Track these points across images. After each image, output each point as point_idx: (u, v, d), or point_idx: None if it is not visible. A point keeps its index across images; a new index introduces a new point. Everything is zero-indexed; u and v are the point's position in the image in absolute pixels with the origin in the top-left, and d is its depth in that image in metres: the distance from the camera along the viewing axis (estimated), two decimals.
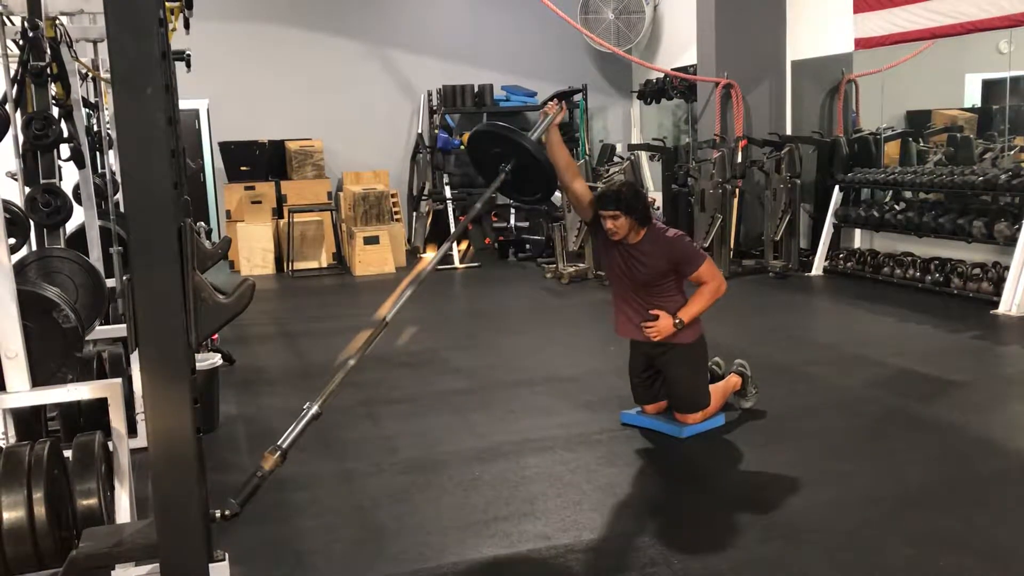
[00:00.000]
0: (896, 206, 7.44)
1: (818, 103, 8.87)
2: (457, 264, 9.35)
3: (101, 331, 4.17)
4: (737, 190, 8.38)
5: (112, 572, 2.15)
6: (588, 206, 4.02)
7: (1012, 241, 6.21)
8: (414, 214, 10.87)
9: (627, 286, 4.00)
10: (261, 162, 10.07)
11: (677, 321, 3.87)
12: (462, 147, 10.65)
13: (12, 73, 3.88)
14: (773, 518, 3.14)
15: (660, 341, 3.96)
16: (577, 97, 10.92)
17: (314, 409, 2.52)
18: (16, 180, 4.11)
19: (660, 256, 3.89)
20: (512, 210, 10.28)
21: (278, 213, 9.94)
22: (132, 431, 3.35)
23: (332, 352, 5.75)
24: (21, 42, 3.86)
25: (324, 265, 9.82)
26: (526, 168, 3.32)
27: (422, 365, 5.41)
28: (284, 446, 2.37)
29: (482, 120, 11.04)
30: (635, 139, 11.61)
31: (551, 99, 3.88)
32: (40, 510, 2.38)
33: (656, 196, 9.84)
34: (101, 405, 2.98)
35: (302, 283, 9.04)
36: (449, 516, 3.24)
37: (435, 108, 10.72)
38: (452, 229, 9.65)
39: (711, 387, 4.07)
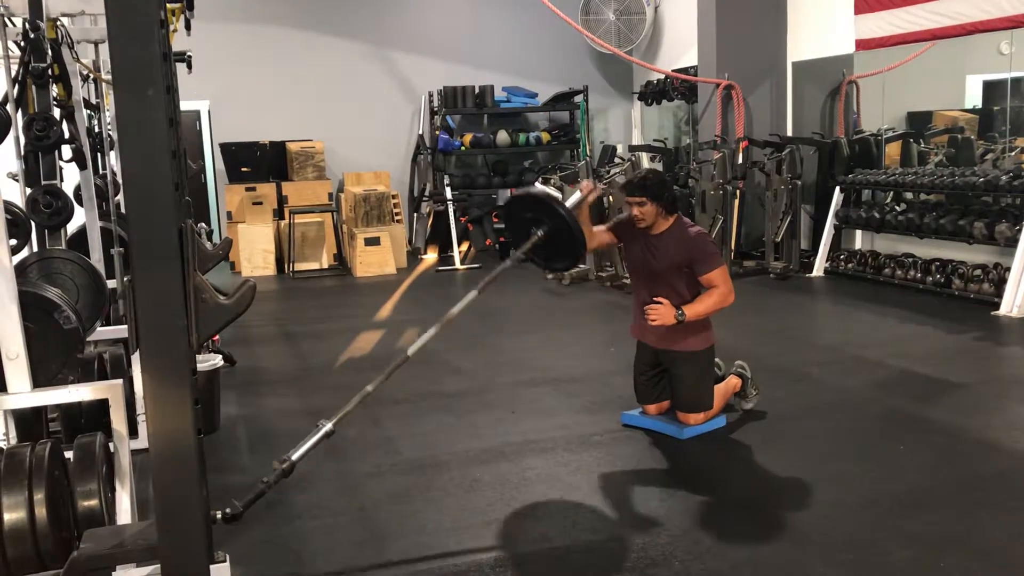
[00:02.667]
0: (897, 207, 7.44)
1: (819, 104, 8.87)
2: (458, 265, 9.36)
3: (102, 332, 4.17)
4: (738, 191, 8.38)
5: (113, 573, 2.15)
6: (610, 239, 4.16)
7: (1013, 242, 6.21)
8: (415, 215, 10.87)
9: (642, 279, 4.03)
10: (262, 163, 10.07)
11: (679, 313, 3.86)
12: (463, 148, 10.67)
13: (13, 74, 3.88)
14: (774, 519, 3.14)
15: (668, 349, 3.98)
16: (578, 98, 10.93)
17: (328, 427, 2.55)
18: (17, 181, 4.11)
19: (679, 249, 3.91)
20: None
21: (279, 214, 9.94)
22: (133, 432, 3.35)
23: (333, 353, 5.78)
24: (22, 43, 3.86)
25: (325, 266, 9.82)
26: (558, 235, 3.41)
27: (423, 366, 5.40)
28: (293, 458, 2.39)
29: (483, 121, 11.07)
30: (636, 140, 11.61)
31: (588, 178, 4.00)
32: (41, 511, 2.39)
33: None
34: (102, 406, 2.99)
35: (303, 284, 9.04)
36: (450, 517, 3.24)
37: (436, 109, 10.72)
38: (453, 230, 9.64)
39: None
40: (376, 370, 5.30)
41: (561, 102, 11.07)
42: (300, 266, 9.66)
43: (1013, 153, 6.95)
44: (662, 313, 3.85)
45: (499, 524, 3.17)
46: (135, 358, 3.65)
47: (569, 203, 3.55)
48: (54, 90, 3.97)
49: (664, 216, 3.95)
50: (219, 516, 2.15)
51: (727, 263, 8.06)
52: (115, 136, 4.44)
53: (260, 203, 9.85)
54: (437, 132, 10.56)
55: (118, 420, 2.80)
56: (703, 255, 3.90)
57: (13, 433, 3.37)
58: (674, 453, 3.85)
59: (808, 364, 5.15)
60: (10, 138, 3.63)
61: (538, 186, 3.89)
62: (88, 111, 5.64)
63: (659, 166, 10.07)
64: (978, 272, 6.53)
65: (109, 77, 5.05)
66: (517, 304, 7.63)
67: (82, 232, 4.60)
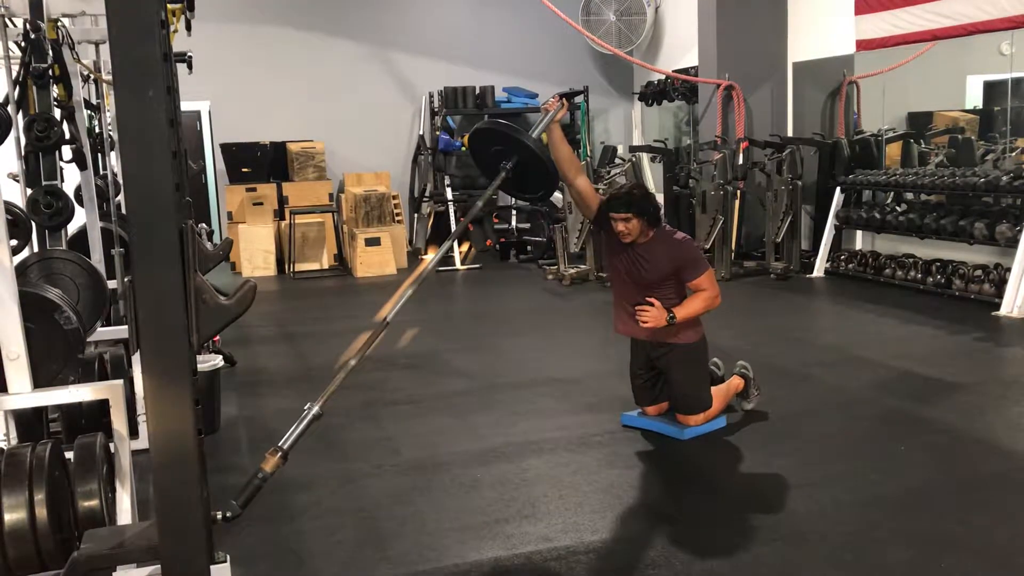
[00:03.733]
0: (898, 208, 7.44)
1: (819, 105, 8.87)
2: (459, 266, 9.36)
3: (103, 332, 4.17)
4: (738, 192, 8.38)
5: (113, 574, 2.15)
6: (592, 203, 4.01)
7: (1013, 243, 6.21)
8: (415, 216, 10.87)
9: (629, 286, 4.00)
10: (262, 164, 10.07)
11: (670, 316, 3.85)
12: (463, 149, 10.66)
13: (14, 75, 3.88)
14: (775, 519, 3.14)
15: (661, 341, 3.97)
16: (578, 99, 10.92)
17: (315, 410, 2.52)
18: (18, 182, 4.11)
19: (666, 258, 3.90)
20: (513, 212, 10.29)
21: (279, 215, 9.95)
22: (133, 432, 3.35)
23: (333, 353, 5.78)
24: (23, 44, 3.86)
25: (325, 267, 9.82)
26: (528, 165, 3.26)
27: (423, 366, 5.41)
28: (285, 447, 2.37)
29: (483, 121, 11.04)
30: (636, 141, 11.61)
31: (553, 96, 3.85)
32: (41, 511, 2.39)
33: (658, 198, 9.84)
34: (102, 406, 2.99)
35: (303, 285, 9.04)
36: (450, 518, 3.24)
37: (436, 110, 10.72)
38: (453, 230, 9.65)
39: (713, 389, 4.07)
40: (377, 370, 5.33)
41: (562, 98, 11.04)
42: (300, 266, 9.66)
43: (1014, 154, 6.95)
44: (654, 315, 3.84)
45: (499, 524, 3.17)
46: (135, 358, 3.65)
47: (536, 131, 3.43)
48: (55, 91, 3.97)
49: (647, 231, 3.92)
50: (220, 516, 2.14)
51: (728, 264, 8.08)
52: (115, 136, 4.43)
53: (261, 203, 9.85)
54: (438, 132, 10.56)
55: (118, 420, 2.80)
56: (691, 261, 3.90)
57: (14, 433, 3.37)
58: (674, 453, 3.85)
59: (809, 364, 5.15)
60: (11, 139, 3.63)
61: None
62: (89, 112, 5.65)
63: (659, 167, 10.07)
64: (979, 273, 6.53)
65: (110, 78, 5.06)
66: (517, 305, 7.63)
67: (83, 232, 4.61)
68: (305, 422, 2.46)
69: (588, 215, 4.13)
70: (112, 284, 4.37)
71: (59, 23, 4.07)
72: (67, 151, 4.24)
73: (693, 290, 3.93)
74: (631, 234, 3.88)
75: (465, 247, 9.81)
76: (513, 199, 3.10)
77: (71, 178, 4.73)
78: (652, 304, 3.85)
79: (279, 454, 2.33)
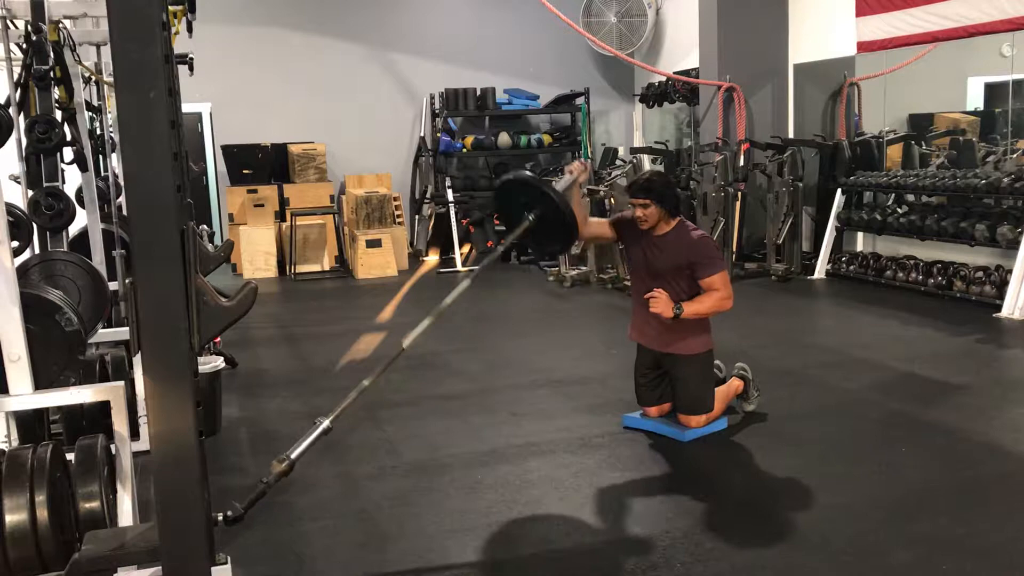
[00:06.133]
0: (899, 209, 7.44)
1: (820, 106, 8.87)
2: (460, 267, 9.36)
3: (104, 334, 4.17)
4: (739, 193, 8.38)
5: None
6: (606, 231, 4.15)
7: (1015, 244, 6.20)
8: (416, 217, 10.88)
9: (643, 279, 4.02)
10: (263, 165, 10.08)
11: (677, 307, 3.84)
12: (464, 150, 10.68)
13: (16, 77, 3.89)
14: (775, 521, 3.14)
15: (667, 352, 3.98)
16: (579, 100, 10.93)
17: (325, 424, 2.56)
18: (19, 183, 4.11)
19: (681, 250, 3.91)
20: None
21: (280, 216, 9.95)
22: (134, 434, 3.34)
23: (334, 355, 5.78)
24: (25, 46, 3.87)
25: (326, 268, 9.82)
26: (550, 218, 3.43)
27: (424, 368, 5.41)
28: (292, 456, 2.40)
29: (484, 123, 11.07)
30: (637, 142, 11.61)
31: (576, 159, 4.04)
32: (42, 513, 2.39)
33: None
34: (103, 408, 2.99)
35: (304, 286, 9.04)
36: (451, 519, 3.24)
37: (437, 111, 10.73)
38: (454, 232, 9.65)
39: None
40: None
41: (562, 104, 11.08)
42: (301, 268, 9.66)
43: (1015, 155, 6.95)
44: (662, 303, 3.85)
45: (500, 526, 3.17)
46: (136, 360, 3.65)
47: (560, 185, 3.57)
48: (56, 93, 3.97)
49: (667, 219, 3.96)
50: (220, 518, 2.15)
51: (728, 265, 8.08)
52: (117, 138, 4.44)
53: (262, 205, 9.86)
54: (438, 134, 10.57)
55: (119, 422, 2.80)
56: (705, 258, 3.90)
57: (15, 435, 3.37)
58: (675, 455, 3.85)
59: (810, 366, 5.15)
60: (12, 140, 3.64)
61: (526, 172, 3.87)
62: (90, 113, 5.65)
63: (660, 168, 10.07)
64: (980, 274, 6.52)
65: (111, 79, 5.05)
66: (518, 306, 7.64)
67: (84, 234, 4.61)
68: (314, 435, 2.50)
69: (611, 240, 4.27)
70: (113, 286, 4.37)
71: (60, 25, 4.08)
72: (68, 153, 4.24)
73: (705, 289, 3.92)
74: (648, 220, 3.93)
75: (466, 249, 9.81)
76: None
77: (72, 180, 4.73)
78: (661, 292, 3.87)
79: (285, 463, 2.35)
